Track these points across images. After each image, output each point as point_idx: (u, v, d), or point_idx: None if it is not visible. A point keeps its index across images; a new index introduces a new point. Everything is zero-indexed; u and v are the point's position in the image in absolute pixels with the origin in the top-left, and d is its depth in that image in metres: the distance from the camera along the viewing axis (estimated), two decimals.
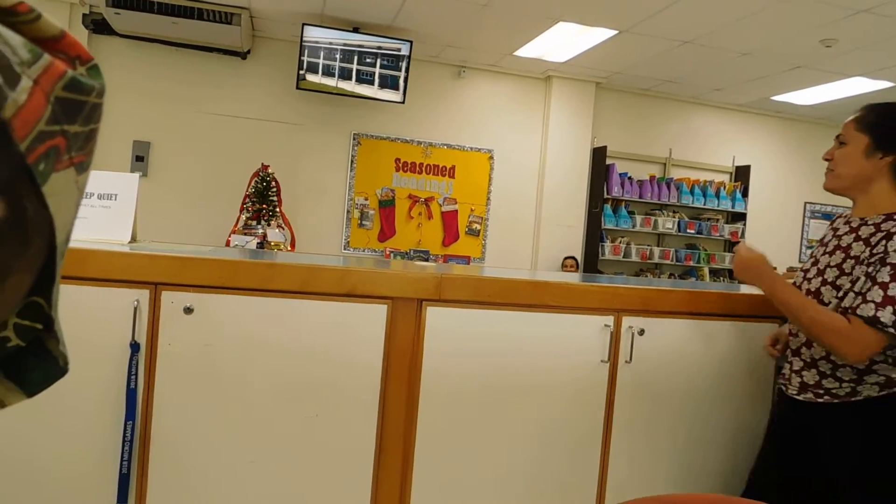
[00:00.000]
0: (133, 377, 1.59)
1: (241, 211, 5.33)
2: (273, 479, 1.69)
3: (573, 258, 6.30)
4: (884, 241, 1.57)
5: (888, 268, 1.53)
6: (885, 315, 1.50)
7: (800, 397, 1.71)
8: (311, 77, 5.37)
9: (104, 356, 1.59)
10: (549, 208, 6.39)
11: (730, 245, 6.93)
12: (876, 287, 1.53)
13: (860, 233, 1.66)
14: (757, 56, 5.31)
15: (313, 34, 5.28)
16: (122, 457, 1.59)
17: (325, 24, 5.32)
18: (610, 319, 1.91)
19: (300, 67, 5.33)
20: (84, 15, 5.31)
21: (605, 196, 6.46)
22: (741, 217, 6.84)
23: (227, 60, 5.69)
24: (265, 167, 5.37)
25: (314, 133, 5.94)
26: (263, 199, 5.28)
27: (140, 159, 5.55)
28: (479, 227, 6.34)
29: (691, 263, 6.74)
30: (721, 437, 2.07)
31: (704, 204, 6.73)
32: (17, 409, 1.54)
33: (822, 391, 1.66)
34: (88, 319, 1.58)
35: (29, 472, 1.57)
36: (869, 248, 1.60)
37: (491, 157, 6.36)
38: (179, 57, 5.60)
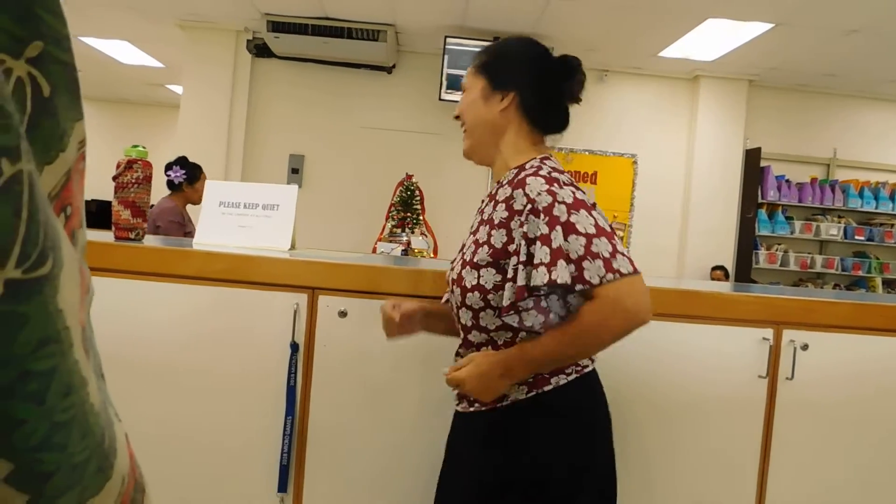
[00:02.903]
0: (293, 375, 1.70)
1: (386, 219, 5.55)
2: (419, 480, 1.74)
3: (722, 268, 5.95)
4: (520, 190, 1.24)
5: (543, 216, 1.20)
6: (625, 262, 1.19)
7: (459, 407, 1.41)
8: (453, 88, 5.48)
9: (267, 355, 1.72)
10: (697, 215, 6.09)
11: None
12: (580, 238, 1.19)
13: (497, 197, 1.34)
14: None
15: (455, 46, 5.39)
16: (282, 449, 1.70)
17: (466, 35, 5.43)
18: (769, 332, 1.79)
19: (443, 79, 5.47)
20: (248, 41, 5.78)
21: (760, 200, 6.06)
22: None
23: (373, 75, 5.95)
24: (409, 177, 5.55)
25: (456, 142, 6.00)
26: (407, 207, 5.46)
27: (295, 171, 5.93)
28: (621, 233, 6.17)
29: (860, 273, 6.15)
30: None
31: (876, 208, 6.12)
32: (189, 403, 1.70)
33: (472, 398, 1.34)
34: (254, 320, 1.72)
35: (199, 461, 1.72)
36: (509, 209, 1.27)
37: (634, 162, 6.17)
38: (330, 74, 5.93)
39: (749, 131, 6.16)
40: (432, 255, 5.33)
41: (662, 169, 6.20)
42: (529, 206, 1.22)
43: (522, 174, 1.28)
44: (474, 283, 1.30)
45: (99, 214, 8.57)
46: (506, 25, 5.25)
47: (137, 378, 1.69)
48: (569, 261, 1.18)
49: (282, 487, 1.71)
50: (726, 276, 5.93)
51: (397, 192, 5.55)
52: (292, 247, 2.00)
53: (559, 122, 1.42)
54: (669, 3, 4.49)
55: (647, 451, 1.78)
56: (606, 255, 1.19)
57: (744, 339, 1.79)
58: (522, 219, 1.23)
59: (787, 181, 6.15)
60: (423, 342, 1.73)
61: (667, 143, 6.21)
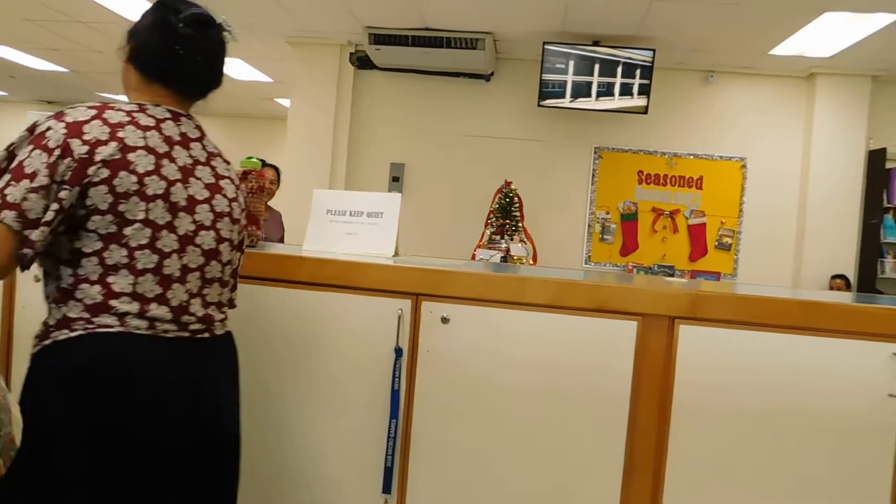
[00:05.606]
0: (397, 379, 1.74)
1: (485, 226, 5.56)
2: (522, 484, 1.73)
3: (843, 277, 5.57)
4: None
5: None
6: None
7: None
8: (551, 94, 5.44)
9: (372, 359, 1.76)
10: (814, 221, 5.74)
11: None
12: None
13: None
14: None
15: (554, 51, 5.35)
16: (386, 451, 1.74)
17: (565, 40, 5.37)
18: None
19: (541, 86, 5.43)
20: (350, 54, 5.98)
21: (886, 205, 5.64)
22: None
23: (472, 83, 5.99)
24: (508, 183, 5.55)
25: (555, 148, 6.00)
26: (507, 214, 5.46)
27: (396, 179, 6.06)
28: (730, 240, 5.90)
29: None
30: None
31: None
32: (298, 404, 1.77)
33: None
34: (359, 325, 1.77)
35: (306, 461, 1.78)
36: None
37: (743, 166, 5.89)
38: (430, 84, 6.02)
39: (873, 130, 5.75)
40: (531, 262, 5.29)
41: (775, 172, 5.89)
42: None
43: None
44: None
45: None
46: (606, 29, 5.15)
47: (253, 380, 1.77)
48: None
49: (386, 489, 1.74)
50: (847, 286, 5.55)
51: (496, 199, 5.55)
52: (396, 253, 2.04)
53: (170, 73, 1.44)
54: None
55: (759, 472, 1.69)
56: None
57: (872, 354, 1.67)
58: None
59: None
60: (525, 350, 1.71)
61: (779, 145, 5.90)
